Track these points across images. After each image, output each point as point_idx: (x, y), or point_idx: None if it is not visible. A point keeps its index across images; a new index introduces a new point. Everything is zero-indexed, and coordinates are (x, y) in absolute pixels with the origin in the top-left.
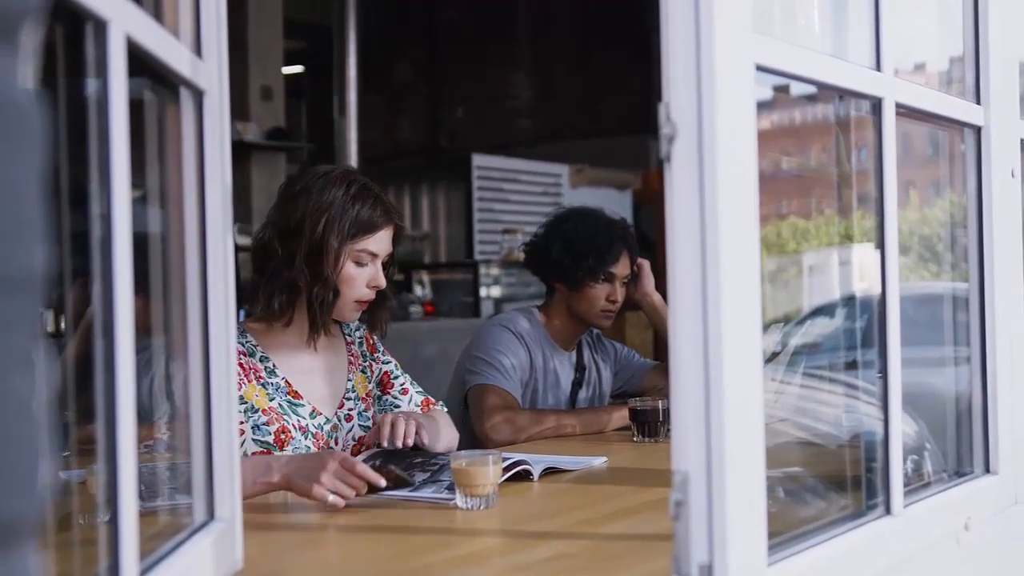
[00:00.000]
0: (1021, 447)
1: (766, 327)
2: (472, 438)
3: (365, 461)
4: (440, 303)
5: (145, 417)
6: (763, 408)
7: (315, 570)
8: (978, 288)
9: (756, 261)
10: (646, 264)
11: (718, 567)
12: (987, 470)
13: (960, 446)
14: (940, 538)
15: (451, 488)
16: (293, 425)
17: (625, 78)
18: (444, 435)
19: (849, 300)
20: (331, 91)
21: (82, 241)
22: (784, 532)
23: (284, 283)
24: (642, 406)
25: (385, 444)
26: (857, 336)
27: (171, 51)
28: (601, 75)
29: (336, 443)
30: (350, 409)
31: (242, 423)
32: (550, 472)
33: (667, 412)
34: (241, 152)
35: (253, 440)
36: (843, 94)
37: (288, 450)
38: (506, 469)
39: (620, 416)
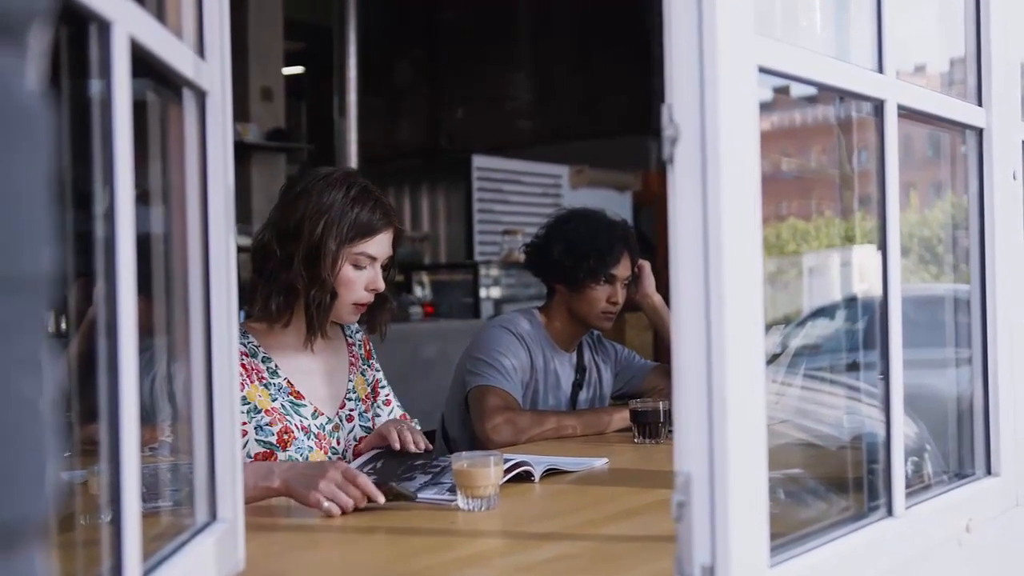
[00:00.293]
0: (1022, 449)
1: (766, 328)
2: (473, 439)
3: (367, 461)
4: (440, 304)
5: (147, 417)
6: (765, 409)
7: (317, 571)
8: (979, 290)
9: (758, 263)
10: (647, 265)
11: (720, 568)
12: (988, 472)
13: (961, 448)
14: (942, 540)
15: (452, 490)
16: (296, 425)
17: (625, 79)
18: None
19: (849, 302)
20: (331, 92)
21: (84, 241)
22: (786, 533)
23: (282, 285)
24: (643, 407)
25: (396, 447)
26: (857, 337)
27: (174, 52)
28: (601, 76)
29: (338, 443)
30: (351, 410)
31: (245, 424)
32: (551, 473)
33: (668, 413)
34: (241, 153)
35: (256, 440)
36: (845, 96)
37: (291, 450)
38: (507, 471)
39: (621, 417)
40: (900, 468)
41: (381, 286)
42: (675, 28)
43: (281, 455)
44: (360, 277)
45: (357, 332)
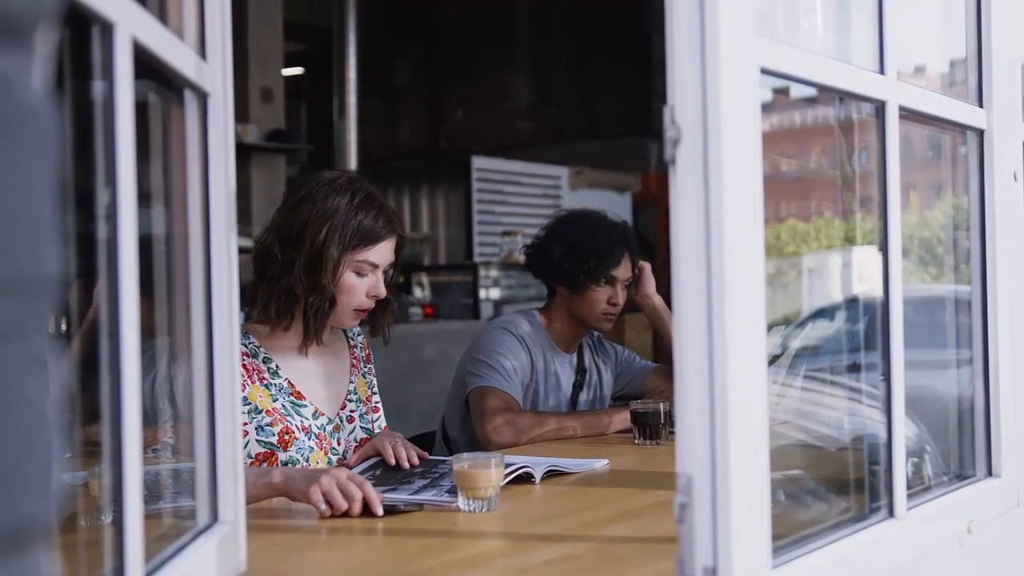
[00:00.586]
0: (1023, 450)
1: (767, 329)
2: (473, 440)
3: (366, 469)
4: (440, 305)
5: (147, 417)
6: (767, 411)
7: (318, 572)
8: (980, 291)
9: (761, 264)
10: (647, 266)
11: (722, 569)
12: (989, 473)
13: (962, 449)
14: (943, 541)
15: (452, 492)
16: (296, 426)
17: (624, 80)
18: None
19: (849, 303)
20: (331, 93)
21: (84, 242)
22: (787, 535)
23: (281, 289)
24: (643, 408)
25: (392, 463)
26: (857, 338)
27: (176, 53)
28: (600, 77)
29: (338, 444)
30: (352, 411)
31: (246, 424)
32: (552, 474)
33: (668, 415)
34: (241, 154)
35: (257, 441)
36: (847, 97)
37: (292, 450)
38: (507, 474)
39: (621, 418)
40: (901, 469)
41: (382, 292)
42: (677, 29)
43: (282, 455)
44: (362, 284)
45: (359, 334)
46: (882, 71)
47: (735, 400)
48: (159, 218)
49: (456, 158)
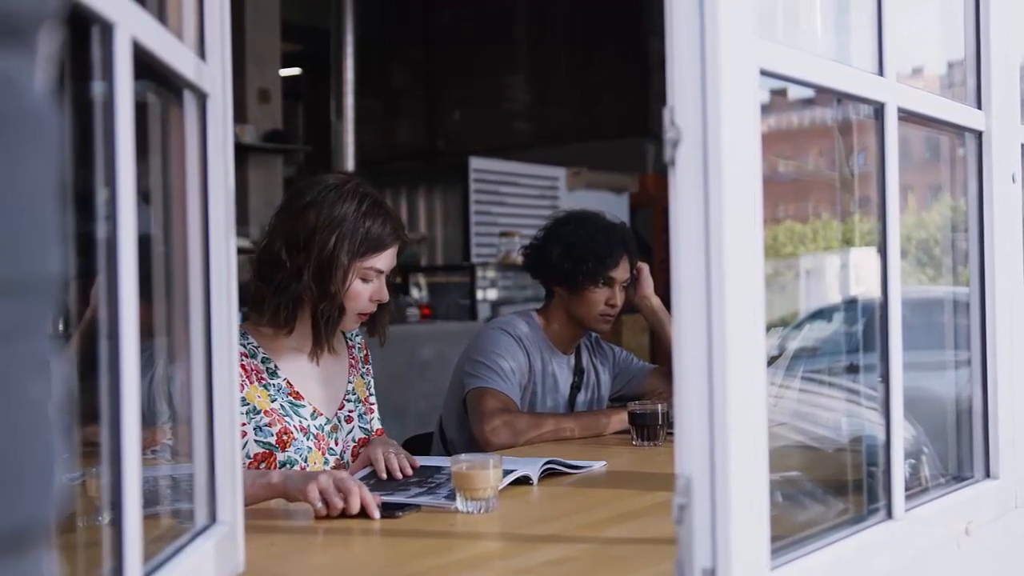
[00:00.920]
0: (1021, 451)
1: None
2: (471, 441)
3: (364, 478)
4: (437, 306)
5: (145, 418)
6: (766, 412)
7: (316, 573)
8: (979, 293)
9: (760, 265)
10: (645, 267)
11: (721, 570)
12: (987, 474)
13: (960, 450)
14: (941, 542)
15: (450, 498)
16: (295, 426)
17: (622, 81)
18: None
19: (846, 304)
20: (328, 94)
21: (83, 242)
22: (786, 536)
23: (290, 296)
24: (641, 410)
25: (383, 477)
26: (855, 340)
27: (176, 54)
28: (598, 78)
29: (336, 444)
30: (350, 411)
31: (244, 425)
32: (550, 475)
33: (666, 416)
34: (238, 154)
35: (255, 441)
36: (846, 98)
37: (290, 451)
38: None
39: (619, 419)
40: (900, 470)
41: (386, 297)
42: (677, 30)
43: (280, 456)
44: (366, 289)
45: (357, 335)
46: (881, 73)
47: (735, 401)
48: (158, 218)
49: (454, 159)
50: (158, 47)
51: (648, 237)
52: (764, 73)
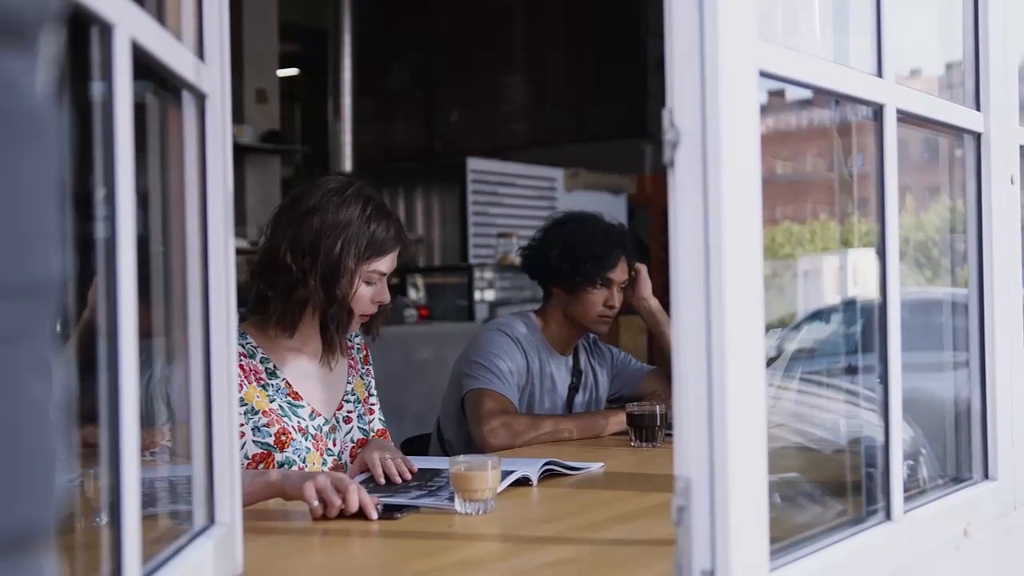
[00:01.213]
0: (1020, 453)
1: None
2: (469, 442)
3: (362, 483)
4: (434, 307)
5: (143, 418)
6: (766, 414)
7: (315, 575)
8: (977, 294)
9: (759, 267)
10: (643, 268)
11: (720, 572)
12: (986, 476)
13: (959, 452)
14: (940, 544)
15: (451, 499)
16: (293, 427)
17: (619, 82)
18: None
19: (844, 305)
20: (326, 94)
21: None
22: (785, 537)
23: (297, 300)
24: (640, 411)
25: (381, 482)
26: (853, 341)
27: (175, 55)
28: (595, 79)
29: (334, 444)
30: (349, 411)
31: (242, 425)
32: (548, 476)
33: (664, 417)
34: (236, 154)
35: (253, 442)
36: (845, 100)
37: (288, 451)
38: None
39: (617, 421)
40: (899, 471)
41: (388, 299)
42: (676, 32)
43: (278, 456)
44: (369, 292)
45: (356, 336)
46: (880, 74)
47: (734, 403)
48: (156, 219)
49: (451, 160)
50: (157, 48)
51: (645, 238)
52: (764, 74)
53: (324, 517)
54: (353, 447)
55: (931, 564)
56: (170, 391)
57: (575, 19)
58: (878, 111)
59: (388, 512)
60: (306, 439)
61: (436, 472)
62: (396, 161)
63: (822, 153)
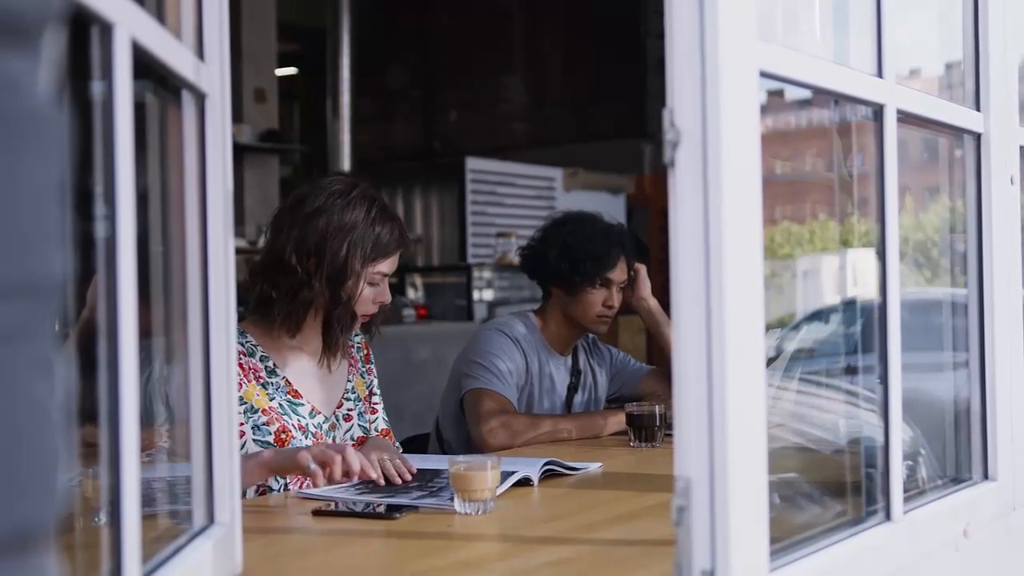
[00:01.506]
0: (1020, 453)
1: None
2: (468, 442)
3: (363, 481)
4: (433, 306)
5: (142, 417)
6: (766, 414)
7: (314, 574)
8: (977, 294)
9: (759, 267)
10: (643, 269)
11: (720, 572)
12: (986, 476)
13: (959, 452)
14: (939, 544)
15: (451, 500)
16: (293, 425)
17: (618, 82)
18: None
19: (844, 305)
20: (324, 93)
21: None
22: (785, 538)
23: (302, 302)
24: (639, 411)
25: (381, 484)
26: (852, 341)
27: (175, 54)
28: (594, 79)
29: (334, 442)
30: (349, 409)
31: (242, 424)
32: (548, 476)
33: (664, 417)
34: (234, 154)
35: (253, 440)
36: (845, 100)
37: None
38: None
39: (616, 421)
40: (898, 472)
41: (389, 299)
42: (677, 32)
43: None
44: (372, 293)
45: (356, 335)
46: (880, 74)
47: (734, 403)
48: (156, 218)
49: (450, 159)
50: (157, 47)
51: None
52: (764, 75)
53: (323, 513)
54: (353, 445)
55: (931, 564)
56: (168, 391)
57: (575, 19)
58: (878, 111)
59: (388, 512)
60: (306, 437)
61: (436, 472)
62: (395, 161)
63: (821, 153)
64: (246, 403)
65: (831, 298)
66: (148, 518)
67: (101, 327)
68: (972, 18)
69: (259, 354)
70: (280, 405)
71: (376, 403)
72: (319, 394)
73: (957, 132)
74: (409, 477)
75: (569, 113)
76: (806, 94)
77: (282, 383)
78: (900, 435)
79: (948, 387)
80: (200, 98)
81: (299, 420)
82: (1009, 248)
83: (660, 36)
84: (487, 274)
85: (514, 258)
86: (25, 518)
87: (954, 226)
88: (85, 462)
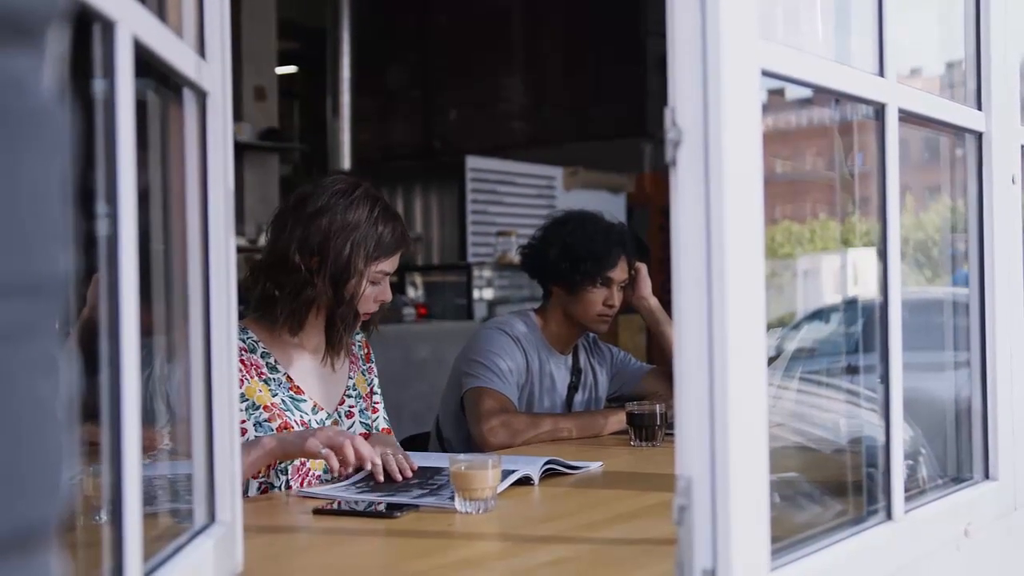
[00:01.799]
0: (1021, 453)
1: None
2: (468, 441)
3: (363, 479)
4: (433, 305)
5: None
6: (767, 414)
7: (315, 574)
8: (978, 294)
9: (761, 266)
10: (643, 268)
11: (722, 571)
12: (987, 476)
13: (960, 452)
14: (940, 544)
15: (451, 499)
16: (295, 421)
17: (618, 81)
18: None
19: (845, 304)
20: (325, 92)
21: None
22: (786, 537)
23: (306, 300)
24: (639, 410)
25: (381, 479)
26: (853, 341)
27: (176, 52)
28: (594, 78)
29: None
30: (351, 406)
31: (243, 421)
32: (549, 475)
33: (664, 416)
34: (235, 152)
35: (256, 437)
36: (847, 99)
37: None
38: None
39: (617, 420)
40: (900, 471)
41: (390, 298)
42: (678, 31)
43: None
44: (373, 292)
45: (357, 334)
46: (882, 73)
47: (735, 402)
48: (157, 216)
49: (450, 158)
50: (159, 45)
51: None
52: (765, 74)
53: (326, 511)
54: None
55: (931, 564)
56: (169, 389)
57: (575, 19)
58: (879, 110)
59: (389, 511)
60: None
61: (437, 471)
62: (395, 160)
63: (822, 152)
64: (248, 399)
65: (832, 297)
66: (149, 516)
67: (103, 325)
68: (973, 17)
69: (260, 351)
70: (282, 401)
71: (377, 402)
72: (321, 391)
73: (958, 131)
74: (410, 474)
75: (569, 113)
76: (807, 93)
77: (284, 380)
78: (901, 434)
79: (949, 386)
80: (201, 96)
81: (301, 416)
82: (1010, 247)
83: (661, 36)
84: (487, 273)
85: (514, 257)
86: (27, 517)
87: (955, 226)
88: (86, 460)
